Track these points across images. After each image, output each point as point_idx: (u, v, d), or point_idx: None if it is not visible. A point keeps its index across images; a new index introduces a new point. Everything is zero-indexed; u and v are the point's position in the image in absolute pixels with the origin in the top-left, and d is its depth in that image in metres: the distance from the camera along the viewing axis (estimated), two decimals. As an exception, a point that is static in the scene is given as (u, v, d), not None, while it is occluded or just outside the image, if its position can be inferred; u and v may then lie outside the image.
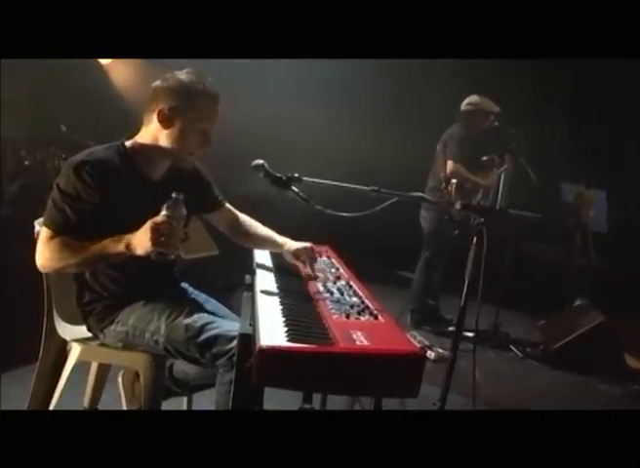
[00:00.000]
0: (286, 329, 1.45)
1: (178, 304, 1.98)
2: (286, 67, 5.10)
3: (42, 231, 1.83)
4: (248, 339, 1.50)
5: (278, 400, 1.68)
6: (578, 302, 5.07)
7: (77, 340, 2.04)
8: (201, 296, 2.21)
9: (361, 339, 1.41)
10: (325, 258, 2.31)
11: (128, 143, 1.96)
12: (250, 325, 1.60)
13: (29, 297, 2.20)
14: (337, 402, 2.12)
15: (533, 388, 3.78)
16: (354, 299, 1.77)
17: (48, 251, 1.80)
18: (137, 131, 1.99)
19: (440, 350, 3.87)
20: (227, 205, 2.29)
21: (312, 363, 1.36)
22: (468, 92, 4.54)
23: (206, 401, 2.20)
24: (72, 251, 1.80)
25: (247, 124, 5.43)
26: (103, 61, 5.99)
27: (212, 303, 2.20)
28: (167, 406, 2.20)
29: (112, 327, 1.97)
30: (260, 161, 2.00)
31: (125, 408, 2.30)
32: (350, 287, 1.91)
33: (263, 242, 2.26)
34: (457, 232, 4.21)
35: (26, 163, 5.18)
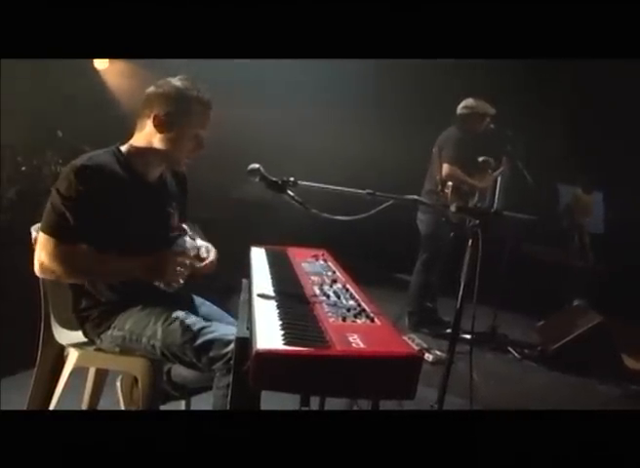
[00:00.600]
0: (282, 332, 1.45)
1: (174, 309, 1.98)
2: (283, 69, 5.11)
3: (40, 237, 1.84)
4: (245, 343, 1.51)
5: (276, 403, 1.69)
6: (575, 303, 5.08)
7: (74, 346, 2.04)
8: (197, 300, 2.22)
9: (357, 342, 1.42)
10: (321, 262, 2.31)
11: (123, 148, 2.00)
12: (247, 328, 1.60)
13: (27, 303, 2.20)
14: (335, 404, 2.12)
15: (531, 389, 3.79)
16: (351, 302, 1.77)
17: (51, 258, 1.81)
18: (130, 136, 2.02)
19: (438, 352, 3.87)
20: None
21: (309, 366, 1.36)
22: (465, 93, 4.55)
23: (204, 405, 2.20)
24: (83, 262, 1.86)
25: (245, 127, 5.45)
26: (99, 67, 6.00)
27: (207, 306, 2.21)
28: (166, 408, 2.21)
29: (109, 332, 1.97)
30: (256, 165, 2.00)
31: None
32: (347, 290, 1.91)
33: None
34: (452, 234, 4.22)
35: (23, 168, 5.18)
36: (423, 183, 4.62)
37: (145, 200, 1.99)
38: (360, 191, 2.01)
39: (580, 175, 5.47)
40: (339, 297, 1.81)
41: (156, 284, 1.91)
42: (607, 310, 4.32)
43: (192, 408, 2.37)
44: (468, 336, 3.15)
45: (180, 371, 2.18)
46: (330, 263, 2.31)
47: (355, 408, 2.14)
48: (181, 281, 1.92)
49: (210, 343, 1.83)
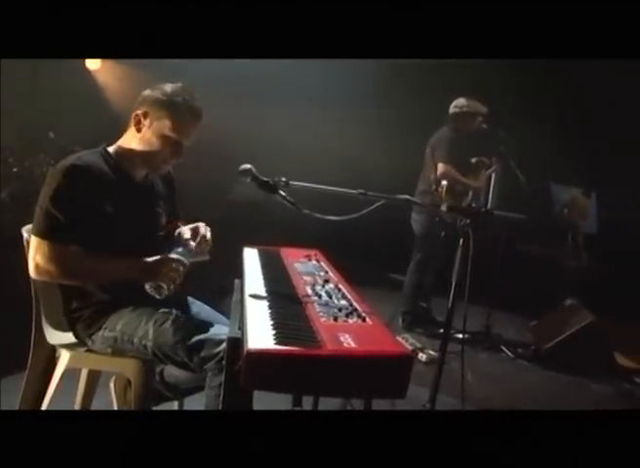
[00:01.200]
0: (274, 332, 1.45)
1: (165, 309, 1.99)
2: (275, 68, 5.11)
3: (33, 240, 1.84)
4: (237, 343, 1.51)
5: (268, 403, 1.69)
6: (568, 302, 5.09)
7: (66, 347, 2.04)
8: (188, 300, 2.22)
9: (348, 341, 1.42)
10: (314, 262, 2.32)
11: (111, 148, 2.01)
12: (239, 328, 1.60)
13: (19, 304, 2.19)
14: (328, 404, 2.12)
15: (524, 388, 3.79)
16: (342, 302, 1.77)
17: (46, 260, 1.81)
18: (120, 136, 2.04)
19: (432, 352, 3.88)
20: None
21: (300, 365, 1.36)
22: (458, 93, 4.56)
23: (197, 405, 2.19)
24: (78, 263, 1.86)
25: (237, 127, 5.44)
26: (92, 68, 5.99)
27: (198, 306, 2.22)
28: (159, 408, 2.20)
29: (100, 333, 1.97)
30: (248, 165, 2.00)
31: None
32: (339, 290, 1.91)
33: None
34: (443, 234, 4.23)
35: (15, 170, 5.17)
36: (417, 184, 4.63)
37: (133, 200, 2.00)
38: (352, 191, 2.02)
39: (578, 176, 5.48)
40: (330, 297, 1.82)
41: (146, 288, 1.89)
42: (600, 309, 4.33)
43: (185, 408, 2.36)
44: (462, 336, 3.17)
45: (172, 372, 2.18)
46: (322, 263, 2.31)
47: (348, 407, 2.14)
48: (172, 288, 1.90)
49: (201, 343, 1.83)
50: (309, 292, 1.86)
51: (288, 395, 1.58)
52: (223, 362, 1.67)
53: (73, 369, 2.10)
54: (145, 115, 1.92)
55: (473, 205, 4.35)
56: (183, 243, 2.03)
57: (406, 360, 1.41)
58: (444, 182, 4.33)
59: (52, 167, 5.10)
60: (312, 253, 2.45)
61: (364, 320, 1.62)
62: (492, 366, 4.11)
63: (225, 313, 2.14)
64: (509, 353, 4.32)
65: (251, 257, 2.30)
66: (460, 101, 4.48)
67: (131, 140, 1.98)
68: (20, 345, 2.09)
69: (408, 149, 5.15)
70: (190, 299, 2.23)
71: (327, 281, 2.02)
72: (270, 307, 1.66)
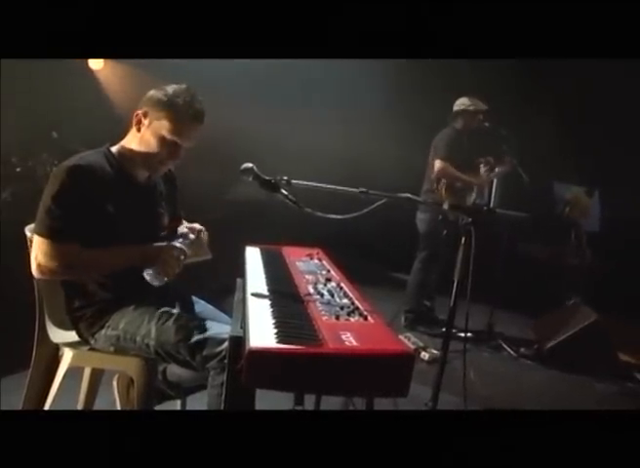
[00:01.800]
0: (275, 330, 1.46)
1: (168, 308, 1.99)
2: (276, 68, 5.11)
3: (36, 239, 1.84)
4: (239, 342, 1.51)
5: (270, 402, 1.69)
6: (571, 301, 5.08)
7: (69, 345, 2.04)
8: (190, 299, 2.23)
9: (350, 340, 1.42)
10: (316, 261, 2.32)
11: (114, 148, 2.02)
12: (241, 327, 1.61)
13: (23, 303, 2.21)
14: (330, 404, 2.12)
15: (527, 387, 3.79)
16: (344, 301, 1.78)
17: (48, 258, 1.81)
18: (122, 136, 2.05)
19: (434, 351, 3.88)
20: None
21: (301, 364, 1.37)
22: (460, 92, 4.56)
23: (199, 404, 2.20)
24: (79, 259, 1.86)
25: (238, 127, 5.44)
26: (95, 68, 6.00)
27: (201, 305, 2.23)
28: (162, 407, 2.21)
29: (103, 331, 1.97)
30: (249, 164, 2.00)
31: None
32: (341, 288, 1.91)
33: None
34: (445, 232, 4.23)
35: (18, 170, 5.18)
36: (422, 183, 4.63)
37: (135, 200, 2.01)
38: (353, 190, 2.02)
39: (579, 175, 5.47)
40: (332, 296, 1.82)
41: (145, 276, 1.88)
42: (603, 308, 4.32)
43: (187, 407, 2.37)
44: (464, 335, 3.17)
45: (175, 370, 2.18)
46: (324, 262, 2.31)
47: (350, 407, 2.15)
48: (171, 276, 1.92)
49: (204, 342, 1.84)
50: (311, 290, 1.87)
51: (290, 393, 1.58)
52: (226, 360, 1.68)
53: (76, 367, 2.11)
54: (145, 115, 1.93)
55: (477, 201, 4.36)
56: (182, 235, 2.06)
57: (407, 358, 1.41)
58: (443, 180, 4.34)
59: (55, 167, 5.13)
60: (314, 251, 2.46)
61: (366, 318, 1.62)
62: (494, 364, 4.10)
63: (228, 312, 2.15)
64: (512, 352, 4.31)
65: (253, 256, 2.31)
66: (462, 100, 4.49)
67: (132, 140, 1.99)
68: (23, 344, 2.10)
69: (410, 149, 5.15)
70: (193, 298, 2.24)
71: (329, 279, 2.02)
72: (272, 306, 1.67)
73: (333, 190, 2.03)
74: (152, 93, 1.95)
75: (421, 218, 4.55)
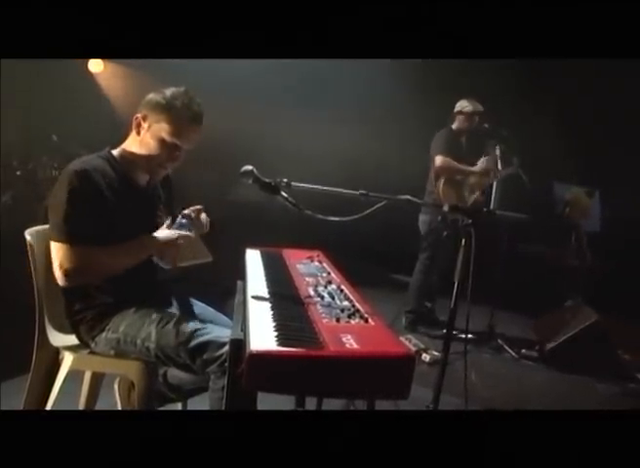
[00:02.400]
0: (276, 333, 1.45)
1: (168, 311, 1.99)
2: (276, 69, 5.11)
3: (55, 247, 1.83)
4: (239, 345, 1.51)
5: (271, 405, 1.69)
6: (572, 302, 5.08)
7: (69, 349, 2.04)
8: (190, 301, 2.23)
9: (351, 342, 1.42)
10: (316, 263, 2.32)
11: (115, 151, 2.03)
12: (241, 330, 1.60)
13: (23, 307, 2.20)
14: (331, 405, 2.12)
15: (528, 388, 3.79)
16: (345, 303, 1.77)
17: (72, 264, 1.81)
18: (123, 139, 2.06)
19: (435, 353, 3.87)
20: None
21: (302, 366, 1.36)
22: (460, 93, 4.56)
23: (200, 407, 2.20)
24: (100, 261, 1.87)
25: (238, 129, 5.44)
26: (95, 71, 6.00)
27: (200, 307, 2.23)
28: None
29: (103, 334, 1.97)
30: (249, 167, 2.00)
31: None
32: (341, 291, 1.91)
33: None
34: (445, 234, 4.22)
35: (18, 173, 5.18)
36: (425, 185, 4.63)
37: (136, 204, 2.01)
38: (353, 192, 2.02)
39: (579, 175, 5.46)
40: (333, 298, 1.82)
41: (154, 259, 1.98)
42: (604, 308, 4.32)
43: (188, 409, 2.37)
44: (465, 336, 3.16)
45: (176, 373, 2.18)
46: (325, 264, 2.31)
47: (352, 408, 2.14)
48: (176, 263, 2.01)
49: (204, 345, 1.83)
50: (312, 293, 1.86)
51: (291, 397, 1.58)
52: (226, 364, 1.67)
53: (76, 371, 2.10)
54: (145, 118, 1.95)
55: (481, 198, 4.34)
56: (184, 216, 2.07)
57: (408, 360, 1.41)
58: (442, 178, 4.34)
59: (55, 170, 5.14)
60: (315, 254, 2.46)
61: (366, 321, 1.62)
62: (495, 366, 4.10)
63: (228, 314, 2.15)
64: (513, 353, 4.31)
65: (253, 259, 2.30)
66: (461, 102, 4.51)
67: (132, 144, 2.01)
68: (24, 347, 2.10)
69: (411, 150, 5.15)
70: (193, 301, 2.24)
71: (329, 282, 2.02)
72: (273, 308, 1.66)
73: (333, 192, 2.03)
74: (151, 96, 1.97)
75: (423, 220, 4.55)
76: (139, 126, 1.96)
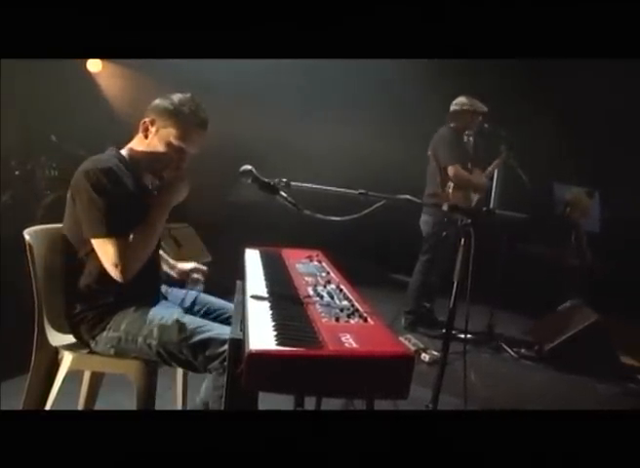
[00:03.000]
0: (275, 333, 1.45)
1: (169, 308, 1.99)
2: (276, 69, 5.11)
3: (102, 243, 1.87)
4: (238, 344, 1.50)
5: (271, 404, 1.69)
6: (571, 302, 5.08)
7: (69, 348, 2.04)
8: (191, 296, 2.26)
9: (350, 342, 1.42)
10: (316, 263, 2.32)
11: (123, 151, 2.07)
12: (240, 330, 1.60)
13: (21, 307, 2.20)
14: (330, 405, 2.12)
15: (528, 389, 3.79)
16: (344, 303, 1.77)
17: (121, 255, 1.85)
18: (124, 140, 2.08)
19: (434, 353, 3.87)
20: None
21: (301, 366, 1.36)
22: (461, 92, 4.55)
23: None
24: (138, 245, 1.90)
25: (237, 129, 5.44)
26: (93, 71, 6.00)
27: (201, 301, 2.25)
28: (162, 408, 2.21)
29: (104, 334, 1.97)
30: (248, 166, 2.01)
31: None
32: (340, 290, 1.91)
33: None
34: (444, 234, 4.22)
35: (17, 173, 5.17)
36: (425, 186, 4.62)
37: (143, 204, 2.01)
38: (352, 191, 2.02)
39: (579, 175, 5.47)
40: (332, 298, 1.81)
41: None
42: (603, 309, 4.32)
43: (188, 408, 2.37)
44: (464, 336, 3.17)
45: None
46: (324, 264, 2.31)
47: (351, 408, 2.14)
48: None
49: (206, 342, 1.84)
50: (311, 292, 1.86)
51: (290, 396, 1.58)
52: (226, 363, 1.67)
53: (76, 371, 2.10)
54: (153, 122, 2.00)
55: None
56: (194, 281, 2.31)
57: (407, 360, 1.40)
58: (451, 183, 4.33)
59: (54, 170, 5.12)
60: (314, 253, 2.45)
61: (365, 320, 1.62)
62: (495, 366, 4.10)
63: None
64: (512, 353, 4.31)
65: (252, 259, 2.30)
66: (461, 100, 4.48)
67: (139, 146, 2.05)
68: (23, 347, 2.09)
69: (411, 150, 5.15)
70: (193, 298, 2.25)
71: (328, 281, 2.01)
72: (272, 308, 1.66)
73: (332, 192, 2.03)
74: (158, 102, 2.02)
75: (425, 220, 4.55)
76: (146, 130, 2.01)
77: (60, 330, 2.07)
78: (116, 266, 1.86)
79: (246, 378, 1.34)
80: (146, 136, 2.02)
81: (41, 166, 5.22)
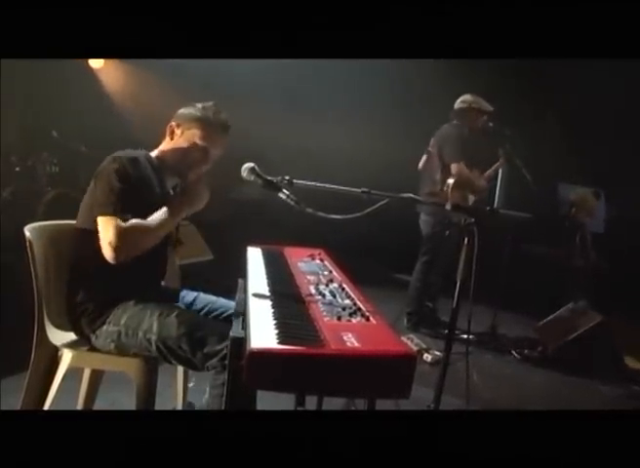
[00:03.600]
0: (277, 331, 1.44)
1: (169, 303, 1.99)
2: (278, 69, 5.10)
3: (104, 221, 1.89)
4: (239, 343, 1.50)
5: (271, 403, 1.68)
6: (576, 303, 5.06)
7: (69, 346, 2.03)
8: (191, 295, 2.26)
9: (352, 341, 1.40)
10: (318, 261, 2.30)
11: (152, 153, 2.17)
12: (242, 328, 1.59)
13: (22, 304, 2.19)
14: (332, 405, 2.11)
15: (531, 390, 3.77)
16: (346, 301, 1.76)
17: (118, 236, 1.86)
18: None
19: (437, 352, 3.86)
20: None
21: (303, 365, 1.35)
22: (464, 92, 4.54)
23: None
24: (139, 235, 1.92)
25: (240, 127, 5.43)
26: (94, 67, 5.99)
27: (201, 300, 2.24)
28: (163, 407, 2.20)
29: (104, 327, 1.98)
30: (251, 164, 2.00)
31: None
32: (343, 289, 1.90)
33: None
34: (447, 233, 4.20)
35: (17, 169, 5.16)
36: (420, 185, 4.59)
37: (161, 204, 2.05)
38: (355, 190, 2.01)
39: (584, 175, 5.45)
40: (334, 297, 1.80)
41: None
42: (608, 310, 4.30)
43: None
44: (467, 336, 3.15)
45: None
46: (326, 263, 2.30)
47: (352, 408, 2.13)
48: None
49: (205, 338, 1.84)
50: (313, 291, 1.85)
51: (291, 395, 1.56)
52: (226, 360, 1.67)
53: (76, 368, 2.09)
54: (179, 126, 2.13)
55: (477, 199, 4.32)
56: None
57: (409, 360, 1.39)
58: (449, 181, 4.29)
59: (54, 166, 5.11)
60: (316, 252, 2.44)
61: (368, 319, 1.60)
62: (497, 366, 4.09)
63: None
64: (516, 354, 4.29)
65: (254, 257, 2.29)
66: (467, 97, 4.45)
67: (165, 147, 2.16)
68: (22, 345, 2.09)
69: (413, 149, 5.14)
70: (194, 295, 2.26)
71: (331, 280, 2.00)
72: (273, 306, 1.65)
73: (335, 190, 2.03)
74: (183, 110, 2.15)
75: (425, 220, 4.53)
76: (172, 132, 2.14)
77: (60, 327, 2.06)
78: (110, 245, 1.86)
79: (247, 377, 1.33)
80: (172, 138, 2.14)
81: (42, 162, 5.21)
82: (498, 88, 5.09)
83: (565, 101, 5.65)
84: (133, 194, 1.94)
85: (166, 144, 2.17)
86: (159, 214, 1.97)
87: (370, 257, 5.86)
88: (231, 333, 1.61)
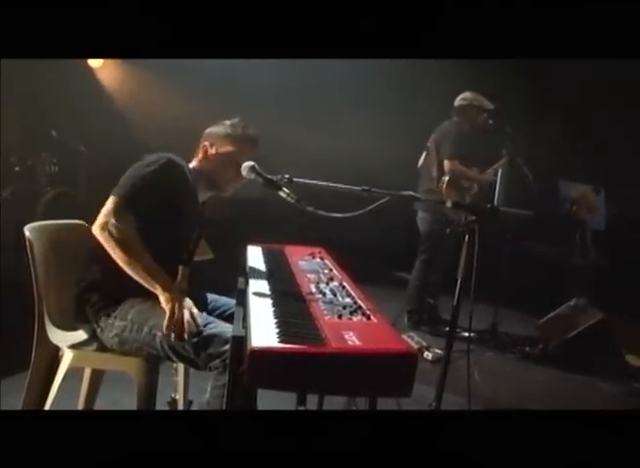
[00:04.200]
0: (277, 330, 1.44)
1: None
2: (278, 68, 5.10)
3: (112, 199, 1.91)
4: (240, 342, 1.49)
5: (272, 402, 1.68)
6: (576, 301, 5.06)
7: (69, 346, 2.02)
8: (198, 294, 2.23)
9: (353, 339, 1.40)
10: (318, 260, 2.31)
11: (190, 165, 2.21)
12: (243, 327, 1.59)
13: (22, 303, 2.19)
14: (333, 403, 2.11)
15: (532, 388, 3.77)
16: (347, 300, 1.76)
17: (118, 218, 1.88)
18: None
19: (438, 351, 3.86)
20: None
21: (304, 363, 1.35)
22: (462, 91, 4.53)
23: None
24: (133, 240, 1.90)
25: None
26: (94, 66, 5.98)
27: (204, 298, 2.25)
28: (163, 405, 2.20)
29: (110, 321, 1.97)
30: (251, 162, 2.01)
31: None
32: (343, 287, 1.90)
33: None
34: (448, 231, 4.19)
35: (17, 169, 5.15)
36: (418, 182, 4.58)
37: (188, 215, 2.12)
38: (356, 188, 2.01)
39: (585, 173, 5.45)
40: (335, 295, 1.80)
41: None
42: (608, 307, 4.29)
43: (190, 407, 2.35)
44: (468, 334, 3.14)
45: None
46: (327, 261, 2.30)
47: (353, 407, 2.13)
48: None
49: (210, 339, 1.83)
50: (313, 289, 1.85)
51: (292, 394, 1.56)
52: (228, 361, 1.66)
53: (76, 368, 2.09)
54: (212, 145, 2.19)
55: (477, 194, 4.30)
56: None
57: (410, 358, 1.39)
58: (445, 178, 4.29)
59: (54, 165, 5.10)
60: (317, 250, 2.44)
61: (368, 318, 1.60)
62: (498, 364, 4.08)
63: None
64: (516, 352, 4.28)
65: (255, 255, 2.30)
66: (467, 94, 4.45)
67: (199, 164, 2.21)
68: (23, 345, 2.08)
69: (414, 148, 5.13)
70: (201, 294, 2.26)
71: (331, 278, 2.00)
72: (274, 305, 1.65)
73: (335, 189, 2.02)
74: (213, 128, 2.22)
75: (422, 217, 4.52)
76: (206, 151, 2.19)
77: (61, 326, 2.06)
78: (104, 216, 1.88)
79: (248, 375, 1.33)
80: (206, 157, 2.19)
81: (42, 162, 5.20)
82: (498, 87, 5.08)
83: (565, 101, 5.64)
84: (158, 195, 1.96)
85: (200, 161, 2.21)
86: (158, 278, 1.90)
87: (370, 256, 5.85)
88: (232, 332, 1.61)
